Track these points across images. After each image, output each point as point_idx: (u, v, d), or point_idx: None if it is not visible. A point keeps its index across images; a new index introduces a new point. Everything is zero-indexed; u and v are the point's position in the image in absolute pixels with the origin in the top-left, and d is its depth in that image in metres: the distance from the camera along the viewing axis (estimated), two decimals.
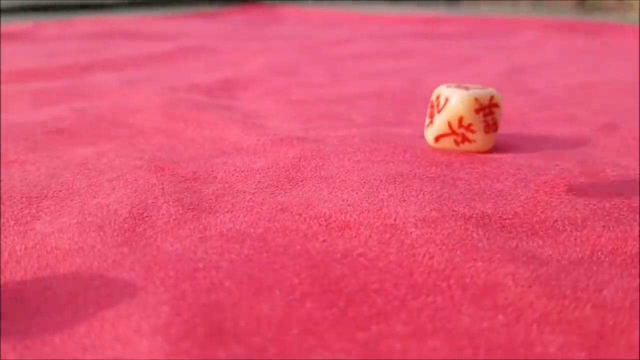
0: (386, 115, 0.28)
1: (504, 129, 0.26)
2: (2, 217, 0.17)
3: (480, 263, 0.14)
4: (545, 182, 0.19)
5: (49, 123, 0.26)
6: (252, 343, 0.11)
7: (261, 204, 0.17)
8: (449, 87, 0.22)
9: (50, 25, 0.68)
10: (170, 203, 0.17)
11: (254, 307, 0.12)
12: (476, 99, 0.21)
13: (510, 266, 0.14)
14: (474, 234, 0.15)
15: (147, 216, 0.17)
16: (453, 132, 0.22)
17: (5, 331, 0.12)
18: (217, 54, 0.49)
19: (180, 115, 0.27)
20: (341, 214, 0.16)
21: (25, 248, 0.15)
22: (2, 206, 0.17)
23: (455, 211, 0.16)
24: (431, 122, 0.22)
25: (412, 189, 0.18)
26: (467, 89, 0.22)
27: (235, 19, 0.83)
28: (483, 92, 0.21)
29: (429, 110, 0.23)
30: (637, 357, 0.11)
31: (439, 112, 0.22)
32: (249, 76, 0.38)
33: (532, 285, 0.13)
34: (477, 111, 0.21)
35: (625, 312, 0.12)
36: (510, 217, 0.16)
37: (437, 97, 0.22)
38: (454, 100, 0.21)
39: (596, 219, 0.16)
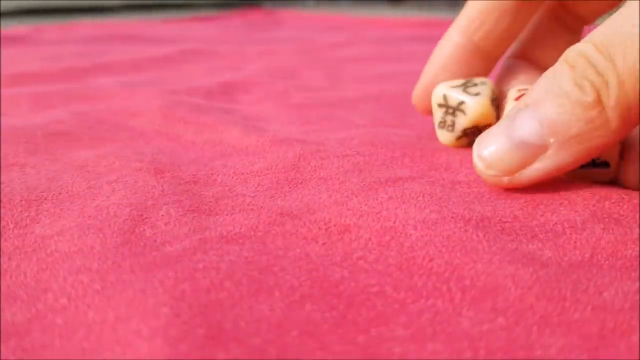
0: (386, 119, 0.28)
1: None
2: (1, 220, 0.17)
3: (480, 265, 0.14)
4: (545, 185, 0.19)
5: (49, 126, 0.26)
6: (252, 344, 0.11)
7: (261, 207, 0.17)
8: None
9: (51, 28, 0.68)
10: (170, 205, 0.17)
11: (254, 309, 0.12)
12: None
13: (510, 268, 0.13)
14: (474, 236, 0.15)
15: (146, 218, 0.17)
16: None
17: (5, 333, 0.12)
18: (217, 57, 0.49)
19: (180, 118, 0.27)
20: (340, 217, 0.16)
21: (25, 251, 0.15)
22: (1, 209, 0.17)
23: (454, 213, 0.16)
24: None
25: (412, 191, 0.18)
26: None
27: (235, 22, 0.84)
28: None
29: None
30: (637, 359, 0.11)
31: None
32: (248, 79, 0.38)
33: (532, 287, 0.13)
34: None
35: (626, 314, 0.12)
36: (509, 219, 0.16)
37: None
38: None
39: (596, 222, 0.16)
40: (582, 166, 0.18)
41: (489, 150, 0.17)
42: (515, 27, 0.22)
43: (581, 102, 0.15)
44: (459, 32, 0.23)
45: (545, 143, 0.16)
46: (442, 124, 0.22)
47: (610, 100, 0.15)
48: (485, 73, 0.23)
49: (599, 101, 0.15)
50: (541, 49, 0.24)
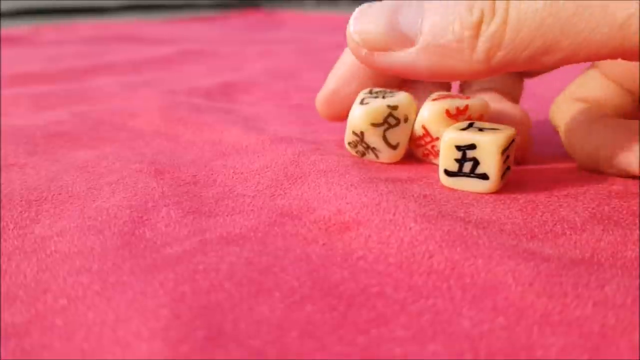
0: None
1: None
2: (1, 221, 0.17)
3: (480, 261, 0.14)
4: (544, 186, 0.19)
5: (49, 126, 0.26)
6: (252, 346, 0.11)
7: (261, 208, 0.17)
8: None
9: (50, 29, 0.68)
10: (170, 206, 0.17)
11: (254, 310, 0.12)
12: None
13: (510, 263, 0.13)
14: (474, 232, 0.15)
15: (146, 220, 0.16)
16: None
17: (5, 334, 0.12)
18: (217, 57, 0.49)
19: (179, 118, 0.27)
20: (340, 214, 0.16)
21: (25, 251, 0.15)
22: (1, 209, 0.17)
23: (454, 212, 0.16)
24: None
25: (411, 191, 0.18)
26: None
27: (234, 23, 0.84)
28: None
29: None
30: (638, 358, 0.11)
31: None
32: (248, 80, 0.38)
33: (532, 283, 0.13)
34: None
35: (627, 309, 0.12)
36: (509, 221, 0.16)
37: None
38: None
39: (595, 223, 0.16)
40: (460, 175, 0.18)
41: (366, 28, 0.16)
42: None
43: (462, 19, 0.15)
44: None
45: (414, 39, 0.16)
46: (352, 145, 0.21)
47: (488, 30, 0.15)
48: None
49: (478, 26, 0.15)
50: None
